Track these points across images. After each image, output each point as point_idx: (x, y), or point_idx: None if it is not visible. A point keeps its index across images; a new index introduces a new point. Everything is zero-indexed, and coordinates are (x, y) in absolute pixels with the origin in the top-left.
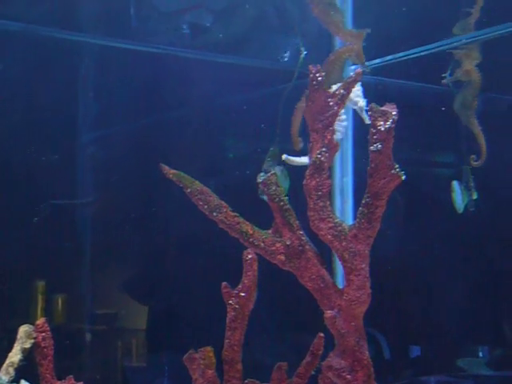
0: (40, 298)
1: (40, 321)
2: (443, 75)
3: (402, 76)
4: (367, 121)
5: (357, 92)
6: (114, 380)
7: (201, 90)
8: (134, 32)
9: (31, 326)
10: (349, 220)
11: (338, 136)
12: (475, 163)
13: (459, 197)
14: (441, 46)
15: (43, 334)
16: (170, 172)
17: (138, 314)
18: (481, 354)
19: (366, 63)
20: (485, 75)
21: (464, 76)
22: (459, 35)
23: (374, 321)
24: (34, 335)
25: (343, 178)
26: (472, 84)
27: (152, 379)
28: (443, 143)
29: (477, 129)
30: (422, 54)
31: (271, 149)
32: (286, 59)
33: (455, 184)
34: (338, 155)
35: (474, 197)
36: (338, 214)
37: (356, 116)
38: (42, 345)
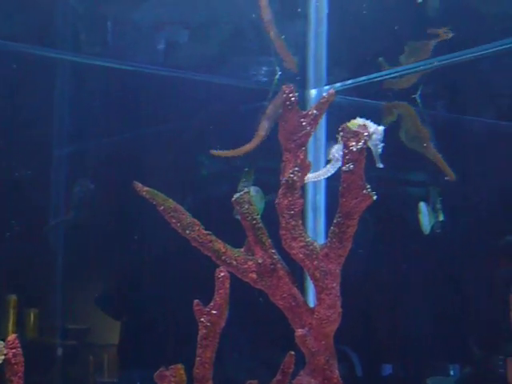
0: (12, 312)
1: (11, 337)
2: (412, 96)
3: (374, 96)
4: (379, 165)
5: (379, 136)
6: None
7: (176, 107)
8: (110, 49)
9: (1, 342)
10: (321, 238)
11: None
12: (448, 179)
13: (426, 218)
14: (411, 68)
15: (14, 350)
16: (143, 189)
17: (110, 329)
18: (452, 373)
19: (339, 84)
20: (456, 98)
21: (396, 108)
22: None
23: (347, 339)
24: (5, 352)
25: (316, 196)
26: (406, 116)
27: None
28: (413, 163)
29: (433, 155)
30: (393, 75)
31: (246, 169)
32: (261, 78)
33: (422, 205)
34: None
35: (441, 218)
36: (310, 232)
37: (329, 134)
38: (13, 361)
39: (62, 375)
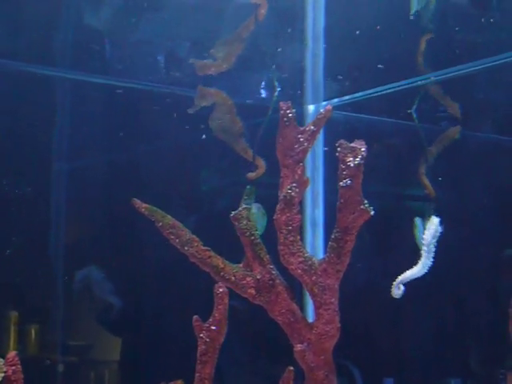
0: (13, 328)
1: (10, 354)
2: (409, 111)
3: (370, 112)
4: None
5: (434, 238)
6: None
7: (175, 124)
8: (108, 66)
9: (1, 359)
10: (320, 253)
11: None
12: (251, 175)
13: (421, 233)
14: (408, 83)
15: (13, 367)
16: (141, 206)
17: (111, 345)
18: None
19: (336, 100)
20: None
21: (211, 96)
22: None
23: (348, 353)
24: (4, 369)
25: (315, 211)
26: (220, 105)
27: None
28: (411, 178)
29: (244, 150)
30: (391, 90)
31: (248, 187)
32: (261, 95)
33: (417, 221)
34: (309, 189)
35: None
36: (309, 247)
37: (327, 150)
38: (12, 378)
39: None
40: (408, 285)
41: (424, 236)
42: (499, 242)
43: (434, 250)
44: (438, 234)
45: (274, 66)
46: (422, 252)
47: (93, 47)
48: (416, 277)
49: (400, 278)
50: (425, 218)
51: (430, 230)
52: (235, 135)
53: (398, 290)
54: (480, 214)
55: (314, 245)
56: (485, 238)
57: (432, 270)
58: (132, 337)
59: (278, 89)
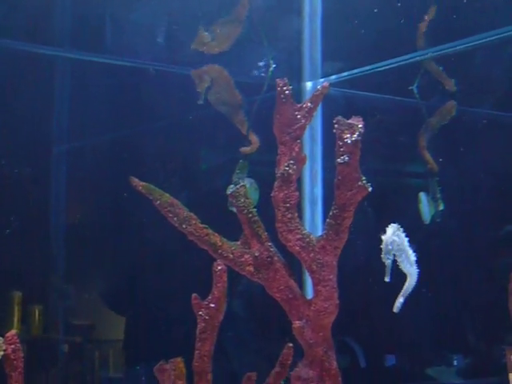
0: (16, 308)
1: (10, 333)
2: (410, 88)
3: (368, 88)
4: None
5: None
6: None
7: (174, 102)
8: (109, 45)
9: (1, 337)
10: (319, 231)
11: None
12: (245, 149)
13: (426, 208)
14: (407, 59)
15: (12, 346)
16: (139, 184)
17: (115, 324)
18: (455, 363)
19: (334, 76)
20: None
21: (207, 73)
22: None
23: (350, 330)
24: (4, 347)
25: (313, 189)
26: (218, 79)
27: None
28: (412, 154)
29: (241, 123)
30: (389, 67)
31: (241, 161)
32: (258, 72)
33: (422, 195)
34: (307, 167)
35: (441, 208)
36: (308, 224)
37: (325, 127)
38: (12, 357)
39: (67, 371)
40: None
41: (393, 251)
42: (498, 218)
43: (411, 254)
44: (403, 239)
45: (270, 44)
46: (400, 264)
47: (92, 26)
48: (412, 288)
49: (399, 299)
50: (428, 192)
51: (393, 240)
52: (234, 107)
53: (398, 305)
54: (479, 191)
55: (313, 222)
56: (484, 214)
57: (433, 246)
58: (136, 316)
59: (274, 65)
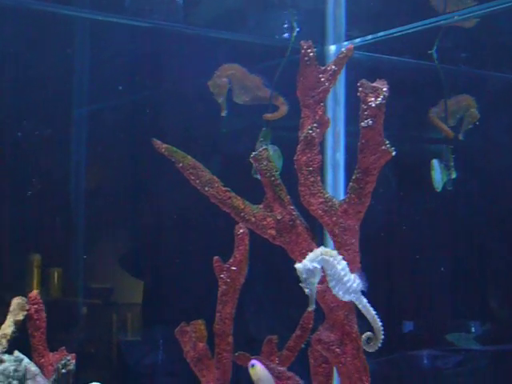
0: (36, 271)
1: (32, 293)
2: (429, 51)
3: (392, 52)
4: (311, 307)
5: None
6: (109, 354)
7: (195, 65)
8: (128, 6)
9: (24, 298)
10: (340, 195)
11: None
12: (268, 116)
13: (438, 175)
14: (433, 22)
15: (35, 306)
16: (161, 146)
17: (133, 288)
18: (473, 329)
19: (358, 40)
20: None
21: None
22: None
23: (368, 296)
24: (27, 307)
25: (336, 154)
26: (235, 76)
27: (146, 353)
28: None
29: (276, 99)
30: (412, 30)
31: (264, 128)
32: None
33: (435, 162)
34: (330, 131)
35: (453, 176)
36: (329, 189)
37: (348, 90)
38: (35, 317)
39: (85, 334)
40: (428, 227)
41: (310, 279)
42: None
43: (351, 281)
44: (334, 265)
45: (293, 6)
46: (332, 290)
47: None
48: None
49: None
50: (442, 159)
51: (307, 268)
52: (260, 91)
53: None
54: (499, 156)
55: (335, 187)
56: (505, 179)
57: (451, 212)
58: (154, 279)
59: (297, 29)
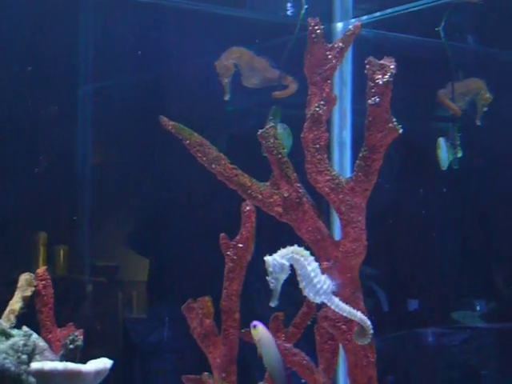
0: (41, 249)
1: (40, 269)
2: (436, 29)
3: (400, 29)
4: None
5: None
6: (115, 331)
7: (201, 43)
8: None
9: (32, 274)
10: (347, 173)
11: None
12: (276, 93)
13: (444, 154)
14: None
15: (43, 282)
16: (169, 124)
17: (139, 266)
18: (478, 307)
19: (365, 17)
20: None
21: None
22: None
23: (373, 274)
24: (35, 283)
25: (342, 132)
26: (241, 60)
27: (152, 330)
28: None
29: (286, 79)
30: (420, 7)
31: (273, 107)
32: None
33: (441, 141)
34: (336, 108)
35: (459, 155)
36: (336, 167)
37: (355, 68)
38: (43, 293)
39: (91, 311)
40: (433, 205)
41: (277, 274)
42: None
43: (321, 282)
44: (305, 265)
45: None
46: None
47: None
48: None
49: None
50: (449, 138)
51: (275, 263)
52: (267, 72)
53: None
54: (507, 136)
55: (342, 165)
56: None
57: (456, 191)
58: (160, 257)
59: (306, 6)
